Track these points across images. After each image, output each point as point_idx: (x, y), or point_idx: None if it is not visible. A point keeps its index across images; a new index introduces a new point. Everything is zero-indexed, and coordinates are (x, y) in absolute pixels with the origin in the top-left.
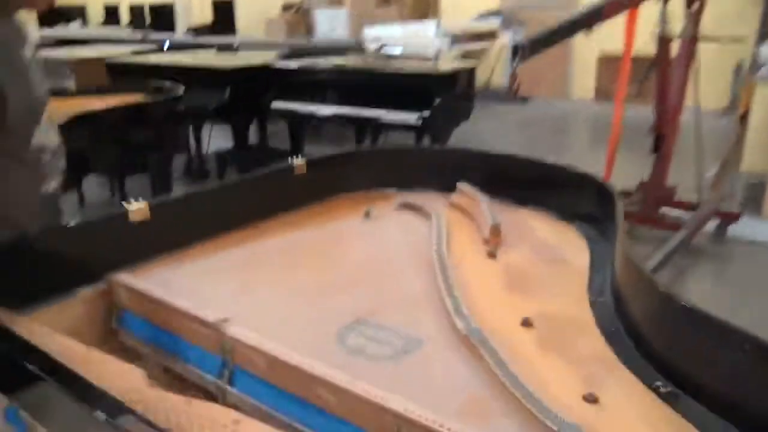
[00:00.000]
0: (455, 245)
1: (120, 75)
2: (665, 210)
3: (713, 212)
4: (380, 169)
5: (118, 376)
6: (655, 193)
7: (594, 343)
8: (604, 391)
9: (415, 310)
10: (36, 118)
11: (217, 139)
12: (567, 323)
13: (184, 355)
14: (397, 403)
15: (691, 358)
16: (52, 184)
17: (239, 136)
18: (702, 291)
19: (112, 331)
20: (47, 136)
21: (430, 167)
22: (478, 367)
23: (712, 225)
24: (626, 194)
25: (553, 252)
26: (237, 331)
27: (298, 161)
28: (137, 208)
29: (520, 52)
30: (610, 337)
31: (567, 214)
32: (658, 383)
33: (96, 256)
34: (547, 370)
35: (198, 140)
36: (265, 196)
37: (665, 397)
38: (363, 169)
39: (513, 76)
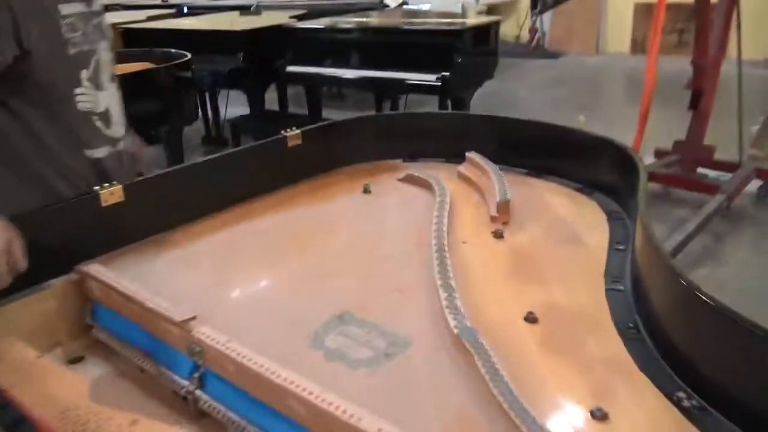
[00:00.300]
0: (459, 224)
1: (136, 41)
2: (703, 171)
3: (755, 173)
4: (384, 138)
5: (61, 389)
6: (692, 153)
7: (607, 342)
8: (616, 405)
9: (406, 302)
10: (73, 77)
11: (237, 106)
12: (577, 318)
13: (157, 354)
14: (369, 422)
15: (720, 366)
16: (101, 151)
17: (255, 102)
18: (742, 259)
19: (88, 326)
20: (96, 100)
21: (439, 134)
22: (469, 376)
23: (753, 186)
24: (662, 154)
25: (568, 231)
26: (205, 331)
27: (292, 132)
28: (110, 190)
29: (540, 3)
30: (627, 336)
31: (587, 185)
32: (681, 395)
33: (67, 244)
34: (550, 379)
35: (215, 107)
36: (254, 173)
37: (688, 413)
38: (365, 139)
39: (533, 30)
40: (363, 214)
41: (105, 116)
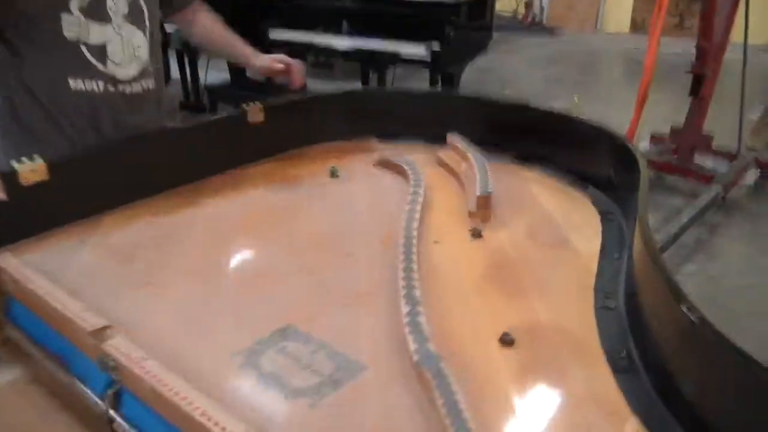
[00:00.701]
0: (433, 218)
1: None
2: (700, 159)
3: (753, 162)
4: (359, 116)
5: None
6: (689, 140)
7: (594, 374)
8: None
9: (363, 315)
10: (58, 3)
11: (221, 71)
12: (560, 341)
13: (72, 363)
14: None
15: (731, 415)
16: (91, 84)
17: (233, 67)
18: (736, 253)
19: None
20: (87, 31)
21: (420, 113)
22: (427, 414)
23: (751, 177)
24: (658, 140)
25: (555, 231)
26: (116, 344)
27: (253, 106)
28: (31, 168)
29: None
30: (618, 367)
31: (579, 178)
32: None
33: None
34: (524, 419)
35: (194, 72)
36: (207, 151)
37: None
38: (338, 116)
39: (529, 4)
40: (327, 203)
41: (100, 51)
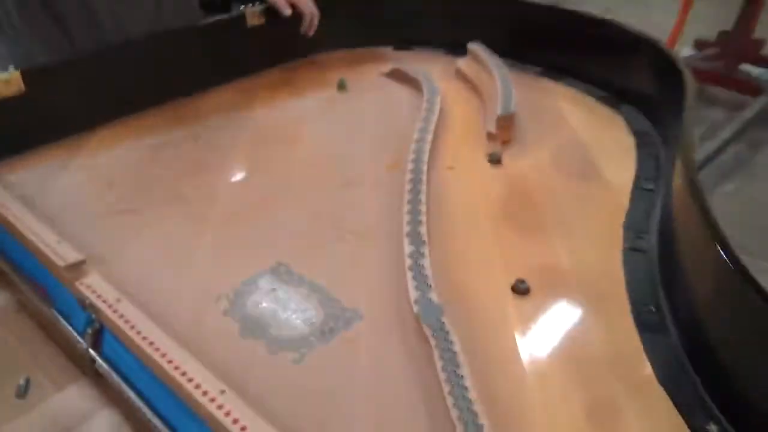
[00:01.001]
0: (448, 140)
1: None
2: (747, 68)
3: None
4: (373, 19)
5: None
6: (737, 46)
7: (616, 329)
8: (620, 424)
9: (362, 254)
10: None
11: None
12: (581, 290)
13: (53, 296)
14: None
15: None
16: None
17: None
18: None
19: None
20: None
21: (441, 16)
22: (425, 373)
23: None
24: (703, 45)
25: (583, 158)
26: (90, 282)
27: (252, 9)
28: (4, 78)
29: None
30: (644, 321)
31: (613, 93)
32: (712, 429)
33: None
34: (531, 380)
35: None
36: (202, 59)
37: None
38: (349, 19)
39: None
40: (331, 120)
41: None
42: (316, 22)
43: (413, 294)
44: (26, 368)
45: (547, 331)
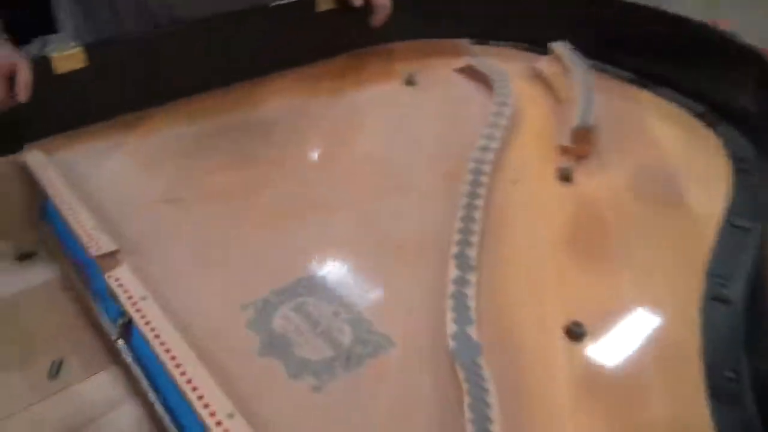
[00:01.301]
0: (516, 150)
1: None
2: None
3: None
4: (452, 9)
5: None
6: None
7: (683, 401)
8: None
9: (402, 274)
10: None
11: None
12: (646, 342)
13: (92, 279)
14: None
15: None
16: None
17: None
18: None
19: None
20: None
21: (526, 10)
22: (454, 423)
23: None
24: None
25: (669, 180)
26: (119, 276)
27: None
28: (68, 53)
29: None
30: (719, 391)
31: (712, 109)
32: None
33: (12, 117)
34: None
35: None
36: (264, 44)
37: None
38: (425, 8)
39: None
40: (393, 117)
41: None
42: (385, 15)
43: (450, 327)
44: (62, 349)
45: (599, 388)
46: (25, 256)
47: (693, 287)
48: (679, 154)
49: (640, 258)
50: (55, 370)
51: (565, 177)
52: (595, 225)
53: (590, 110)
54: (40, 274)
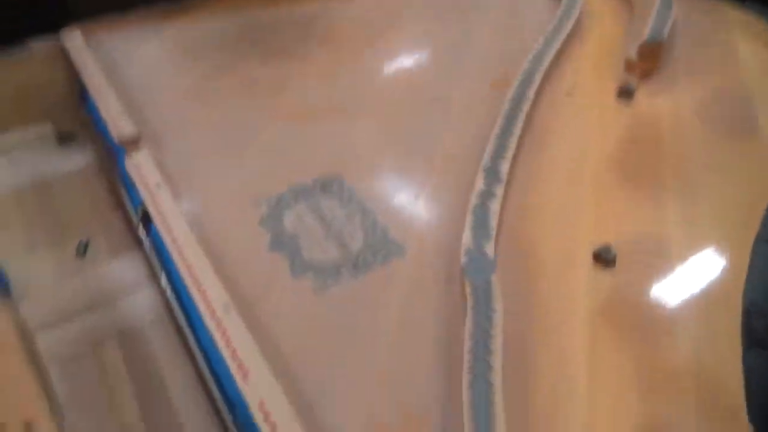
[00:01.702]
0: (577, 60)
1: None
2: None
3: None
4: None
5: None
6: None
7: (716, 350)
8: None
9: (428, 184)
10: None
11: None
12: (682, 278)
13: (120, 166)
14: (263, 387)
15: None
16: None
17: None
18: None
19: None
20: None
21: None
22: (453, 345)
23: None
24: None
25: (743, 110)
26: (136, 161)
27: None
28: None
29: None
30: (751, 340)
31: None
32: None
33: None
34: (580, 399)
35: None
36: None
37: None
38: None
39: None
40: (442, 15)
41: None
42: None
43: (467, 241)
44: (91, 231)
45: (623, 322)
46: (65, 139)
47: (748, 227)
48: (762, 81)
49: (694, 189)
50: (83, 249)
51: (626, 94)
52: (649, 148)
53: (664, 24)
54: (77, 158)
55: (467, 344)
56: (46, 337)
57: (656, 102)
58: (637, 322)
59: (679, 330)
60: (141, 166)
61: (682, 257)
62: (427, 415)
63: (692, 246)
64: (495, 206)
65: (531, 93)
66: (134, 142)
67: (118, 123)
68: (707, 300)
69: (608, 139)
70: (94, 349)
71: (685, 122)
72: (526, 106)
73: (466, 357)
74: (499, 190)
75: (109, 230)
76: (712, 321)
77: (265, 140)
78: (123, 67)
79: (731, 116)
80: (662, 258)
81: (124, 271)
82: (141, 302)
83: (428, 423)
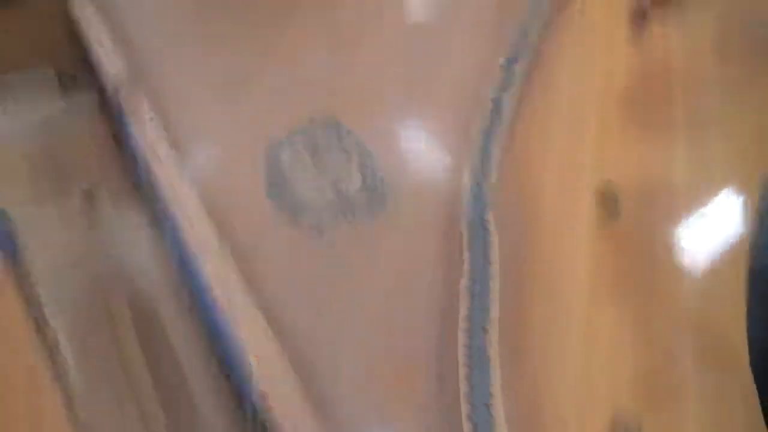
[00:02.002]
0: None
1: None
2: None
3: None
4: None
5: None
6: None
7: (718, 297)
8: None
9: (431, 121)
10: None
11: None
12: (687, 218)
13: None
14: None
15: None
16: None
17: None
18: None
19: None
20: None
21: None
22: (451, 290)
23: None
24: None
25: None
26: (125, 93)
27: None
28: None
29: None
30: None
31: None
32: None
33: None
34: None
35: None
36: None
37: None
38: None
39: None
40: None
41: None
42: None
43: (467, 179)
44: (95, 180)
45: (624, 270)
46: (67, 81)
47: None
48: None
49: (706, 130)
50: (86, 202)
51: (638, 19)
52: (660, 85)
53: None
54: (80, 101)
55: (463, 283)
56: (50, 288)
57: (670, 31)
58: (638, 271)
59: (683, 280)
60: (129, 98)
61: (691, 204)
62: (423, 361)
63: (702, 192)
64: (496, 146)
65: (541, 17)
66: (123, 78)
67: (108, 58)
68: (714, 250)
69: (614, 70)
70: (100, 297)
71: (701, 56)
72: (534, 33)
73: (462, 298)
74: (502, 129)
75: (112, 177)
76: (718, 271)
77: (266, 81)
78: (122, 12)
79: (757, 54)
80: (670, 204)
81: (126, 220)
82: (144, 247)
83: (424, 370)
